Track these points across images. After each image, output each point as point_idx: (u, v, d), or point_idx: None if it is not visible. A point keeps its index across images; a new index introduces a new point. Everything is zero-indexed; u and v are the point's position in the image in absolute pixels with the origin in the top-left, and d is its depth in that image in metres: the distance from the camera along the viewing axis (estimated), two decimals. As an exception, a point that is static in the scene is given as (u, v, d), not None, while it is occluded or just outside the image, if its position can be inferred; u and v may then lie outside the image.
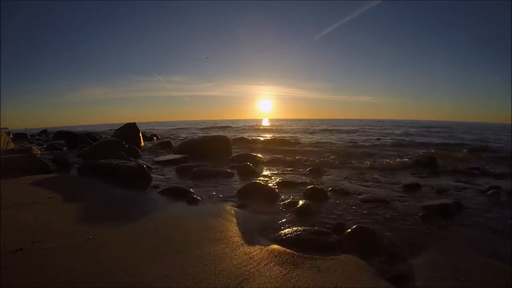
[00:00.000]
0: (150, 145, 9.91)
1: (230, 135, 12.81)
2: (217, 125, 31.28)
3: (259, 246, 2.07)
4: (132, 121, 9.54)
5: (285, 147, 9.07)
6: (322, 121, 46.27)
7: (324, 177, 4.69)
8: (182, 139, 11.32)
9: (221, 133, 17.09)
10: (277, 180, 4.36)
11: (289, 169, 5.38)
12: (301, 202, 3.05)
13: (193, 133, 19.24)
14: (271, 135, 14.74)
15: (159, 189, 3.76)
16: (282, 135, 15.55)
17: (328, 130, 20.35)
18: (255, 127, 26.05)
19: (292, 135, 15.86)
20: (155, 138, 13.06)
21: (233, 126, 29.53)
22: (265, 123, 40.38)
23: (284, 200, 3.27)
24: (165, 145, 9.45)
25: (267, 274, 1.71)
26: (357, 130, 20.51)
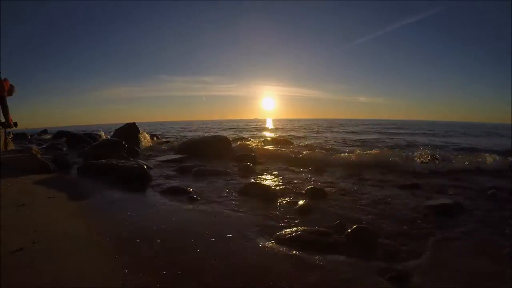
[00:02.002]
0: (150, 145, 9.91)
1: (235, 135, 12.83)
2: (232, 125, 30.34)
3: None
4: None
5: (286, 147, 9.06)
6: (332, 121, 46.07)
7: (325, 176, 4.69)
8: (183, 139, 11.32)
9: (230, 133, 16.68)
10: (277, 179, 4.36)
11: (290, 168, 5.37)
12: (301, 202, 3.05)
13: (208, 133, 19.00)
14: (277, 135, 14.73)
15: (159, 189, 3.76)
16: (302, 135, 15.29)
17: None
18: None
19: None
20: (155, 138, 13.06)
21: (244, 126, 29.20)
22: (286, 122, 38.80)
23: (284, 199, 3.27)
24: (165, 145, 9.45)
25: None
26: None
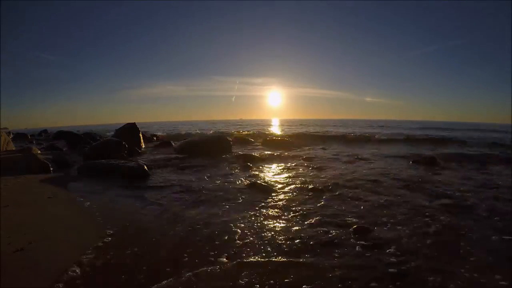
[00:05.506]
0: (150, 145, 9.91)
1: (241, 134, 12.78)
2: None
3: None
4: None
5: (286, 146, 9.06)
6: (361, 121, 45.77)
7: (325, 175, 4.67)
8: (183, 139, 11.31)
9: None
10: (277, 179, 4.35)
11: (290, 168, 5.35)
12: (301, 201, 3.04)
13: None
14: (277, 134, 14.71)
15: (158, 189, 3.75)
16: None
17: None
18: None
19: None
20: (155, 138, 13.05)
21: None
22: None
23: (283, 198, 3.26)
24: (166, 145, 9.46)
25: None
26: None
